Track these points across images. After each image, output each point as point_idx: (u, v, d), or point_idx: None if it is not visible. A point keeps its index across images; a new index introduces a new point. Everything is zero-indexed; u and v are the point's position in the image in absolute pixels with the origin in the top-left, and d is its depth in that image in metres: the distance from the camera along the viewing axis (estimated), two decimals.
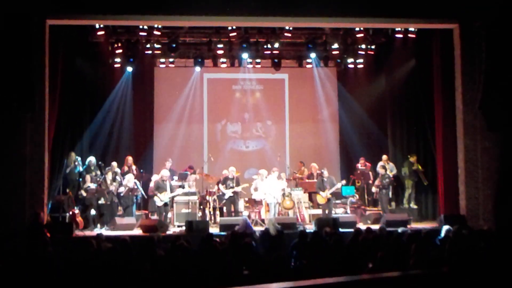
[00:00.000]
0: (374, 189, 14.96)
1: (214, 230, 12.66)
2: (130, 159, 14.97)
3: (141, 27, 14.31)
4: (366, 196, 15.55)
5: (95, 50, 15.19)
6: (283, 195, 13.98)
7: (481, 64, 12.30)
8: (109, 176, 13.82)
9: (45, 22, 12.07)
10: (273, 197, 13.85)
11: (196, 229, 12.10)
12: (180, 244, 8.05)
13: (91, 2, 12.11)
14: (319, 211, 14.38)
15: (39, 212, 11.44)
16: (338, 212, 14.48)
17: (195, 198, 14.16)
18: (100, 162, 14.44)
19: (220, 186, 14.36)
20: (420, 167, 15.08)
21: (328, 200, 13.95)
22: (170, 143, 17.17)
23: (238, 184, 14.33)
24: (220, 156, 17.03)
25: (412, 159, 15.16)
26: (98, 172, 14.24)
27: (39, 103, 11.82)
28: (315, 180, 14.77)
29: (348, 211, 14.76)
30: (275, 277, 6.12)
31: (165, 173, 13.97)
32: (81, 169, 14.30)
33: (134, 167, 14.89)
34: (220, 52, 15.60)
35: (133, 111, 16.61)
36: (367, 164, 15.91)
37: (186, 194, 14.08)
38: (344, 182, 14.50)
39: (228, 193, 14.17)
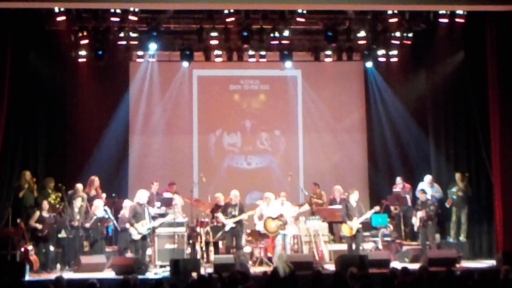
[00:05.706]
0: (415, 221, 14.55)
1: (207, 271, 12.69)
2: (96, 180, 14.95)
3: (112, 11, 14.37)
4: (402, 227, 15.52)
5: (54, 41, 15.28)
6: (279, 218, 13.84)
7: None
8: (77, 203, 13.88)
9: None
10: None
11: (183, 270, 12.13)
12: None
13: None
14: (342, 246, 14.36)
15: None
16: (367, 248, 14.48)
17: (182, 230, 14.16)
18: (59, 184, 14.49)
19: (219, 214, 14.29)
20: (462, 185, 15.02)
21: (357, 232, 13.81)
22: (150, 160, 17.24)
23: (242, 212, 14.20)
24: (214, 176, 17.06)
25: (458, 177, 15.15)
26: (58, 197, 14.31)
27: None
28: (338, 206, 14.71)
29: (380, 246, 14.77)
30: None
31: (143, 195, 13.81)
32: (36, 193, 14.37)
33: (100, 191, 14.92)
34: (213, 42, 15.70)
35: (102, 118, 16.68)
36: (406, 185, 15.84)
37: (170, 224, 14.09)
38: (377, 208, 14.43)
39: (230, 224, 14.09)
